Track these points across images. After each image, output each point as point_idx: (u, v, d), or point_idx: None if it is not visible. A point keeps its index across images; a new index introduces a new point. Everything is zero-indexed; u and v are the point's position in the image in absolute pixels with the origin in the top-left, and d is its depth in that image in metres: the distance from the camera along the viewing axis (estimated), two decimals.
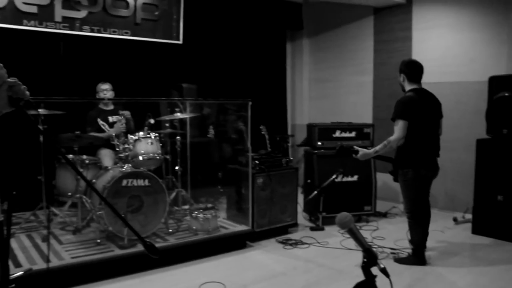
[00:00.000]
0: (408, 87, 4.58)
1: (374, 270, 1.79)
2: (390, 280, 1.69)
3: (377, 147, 4.42)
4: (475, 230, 5.65)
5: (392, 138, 4.34)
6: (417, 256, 4.58)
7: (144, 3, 6.53)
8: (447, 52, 6.64)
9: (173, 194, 5.62)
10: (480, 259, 4.77)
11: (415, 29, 7.08)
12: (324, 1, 8.16)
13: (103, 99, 5.56)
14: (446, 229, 5.75)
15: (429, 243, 5.00)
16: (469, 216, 5.93)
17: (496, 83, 5.59)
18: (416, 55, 6.99)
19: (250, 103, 5.14)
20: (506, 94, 5.42)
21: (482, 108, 5.66)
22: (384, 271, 1.67)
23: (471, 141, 5.77)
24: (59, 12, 5.84)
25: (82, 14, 6.03)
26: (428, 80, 5.24)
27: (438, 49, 6.75)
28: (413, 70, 4.58)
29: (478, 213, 5.65)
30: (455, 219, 6.13)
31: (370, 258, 1.64)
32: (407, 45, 7.18)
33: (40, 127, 4.82)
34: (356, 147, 4.60)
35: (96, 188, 4.62)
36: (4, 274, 2.54)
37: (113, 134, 5.24)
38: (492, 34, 6.23)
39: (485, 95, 5.68)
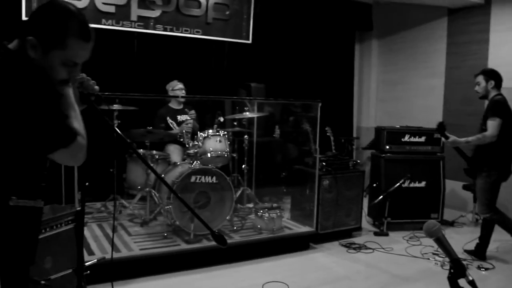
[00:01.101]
0: (494, 92, 4.72)
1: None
2: None
3: (470, 138, 4.62)
4: None
5: (487, 133, 4.53)
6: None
7: (216, 3, 6.63)
8: None
9: (239, 192, 5.68)
10: None
11: (492, 31, 6.76)
12: (395, 2, 7.97)
13: (176, 96, 5.70)
14: (505, 242, 5.44)
15: (503, 255, 4.87)
16: None
17: None
18: (493, 59, 6.70)
19: (320, 104, 5.11)
20: None
21: None
22: (472, 283, 1.61)
23: None
24: (135, 12, 6.05)
25: (156, 13, 6.21)
26: (507, 85, 5.03)
27: None
28: (500, 78, 4.77)
29: None
30: None
31: (458, 269, 1.58)
32: (483, 47, 6.88)
33: (115, 123, 5.03)
34: (447, 134, 4.78)
35: (166, 181, 4.75)
36: (80, 260, 2.68)
37: (179, 133, 5.43)
38: None
39: None
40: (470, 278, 1.61)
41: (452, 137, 4.71)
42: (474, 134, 6.21)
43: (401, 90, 8.33)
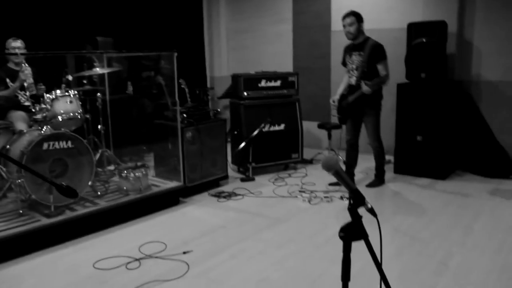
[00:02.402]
0: (364, 35, 5.10)
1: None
2: (377, 219, 1.68)
3: (376, 80, 4.90)
4: (397, 170, 5.96)
5: (386, 74, 4.96)
6: (383, 176, 5.51)
7: None
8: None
9: (97, 155, 5.31)
10: (404, 197, 5.05)
11: None
12: None
13: (14, 53, 4.98)
14: (370, 171, 5.94)
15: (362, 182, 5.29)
16: (390, 157, 6.19)
17: (414, 30, 5.81)
18: (335, 3, 7.02)
19: (175, 54, 4.86)
20: (424, 40, 5.63)
21: (402, 54, 5.84)
22: (371, 211, 1.65)
23: (391, 87, 5.94)
24: None
25: None
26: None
27: None
28: None
29: (399, 154, 5.94)
30: None
31: (357, 199, 1.59)
32: None
33: None
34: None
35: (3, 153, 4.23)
36: None
37: (18, 85, 4.83)
38: None
39: (404, 42, 5.87)
40: (369, 206, 1.64)
41: (368, 83, 4.87)
42: (322, 75, 6.55)
43: (250, 38, 8.39)
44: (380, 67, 4.99)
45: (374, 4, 6.61)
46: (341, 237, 1.59)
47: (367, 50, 4.96)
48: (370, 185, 5.42)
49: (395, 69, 6.16)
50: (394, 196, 5.10)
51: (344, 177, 1.62)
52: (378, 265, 1.62)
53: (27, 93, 4.92)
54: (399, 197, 5.07)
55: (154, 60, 7.23)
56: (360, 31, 5.05)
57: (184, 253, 3.69)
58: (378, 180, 5.48)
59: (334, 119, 6.80)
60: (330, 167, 1.61)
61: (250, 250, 3.75)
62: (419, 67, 5.67)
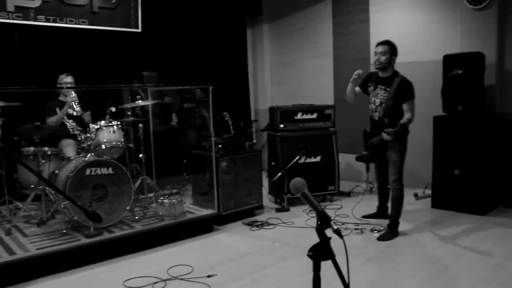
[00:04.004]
0: (393, 68, 4.81)
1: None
2: (343, 241, 1.79)
3: (403, 122, 4.54)
4: (434, 204, 5.88)
5: (412, 116, 4.64)
6: (396, 228, 4.89)
7: None
8: (404, 32, 6.78)
9: (138, 182, 5.61)
10: (439, 231, 4.98)
11: (372, 11, 7.21)
12: None
13: (62, 87, 5.45)
14: (407, 205, 5.91)
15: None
16: (429, 191, 6.14)
17: (450, 61, 5.80)
18: (374, 37, 7.13)
19: (211, 87, 5.15)
20: (460, 72, 5.61)
21: (439, 87, 5.85)
22: (337, 232, 1.76)
23: (429, 119, 5.95)
24: (12, 1, 5.69)
25: (36, 3, 5.88)
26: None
27: (395, 30, 6.87)
28: None
29: (437, 188, 5.88)
30: (416, 195, 6.35)
31: (323, 221, 1.72)
32: (365, 27, 7.32)
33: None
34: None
35: (42, 176, 4.60)
36: None
37: (65, 110, 5.33)
38: (446, 14, 6.40)
39: (441, 74, 5.88)
40: (335, 227, 1.75)
41: (389, 131, 4.46)
42: (363, 108, 6.51)
43: (293, 72, 8.63)
44: (405, 107, 4.64)
45: (413, 37, 6.69)
46: (309, 256, 1.70)
47: (394, 86, 4.67)
48: (382, 237, 4.76)
49: (432, 102, 6.18)
50: (427, 230, 5.05)
51: (311, 199, 1.75)
52: (346, 286, 1.71)
53: (75, 123, 5.35)
54: (432, 230, 5.02)
55: (194, 93, 7.56)
56: (390, 63, 4.72)
57: (209, 276, 3.85)
58: (392, 232, 4.83)
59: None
60: (297, 189, 1.75)
61: (271, 276, 3.86)
62: (455, 99, 5.63)
